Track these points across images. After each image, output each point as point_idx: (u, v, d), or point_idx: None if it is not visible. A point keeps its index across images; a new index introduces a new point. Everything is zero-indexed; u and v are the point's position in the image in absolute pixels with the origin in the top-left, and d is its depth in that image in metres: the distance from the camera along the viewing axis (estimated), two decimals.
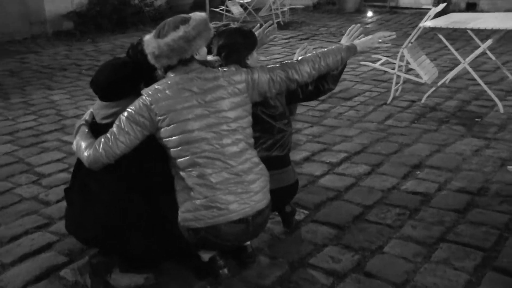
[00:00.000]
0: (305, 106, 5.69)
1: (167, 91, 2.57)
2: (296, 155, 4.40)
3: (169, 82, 2.61)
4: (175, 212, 2.69)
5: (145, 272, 2.92)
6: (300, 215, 3.45)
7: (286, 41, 9.44)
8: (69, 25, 10.23)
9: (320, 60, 2.85)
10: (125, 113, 2.59)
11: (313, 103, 5.80)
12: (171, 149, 2.60)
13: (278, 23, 10.84)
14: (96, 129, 2.82)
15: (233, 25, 3.27)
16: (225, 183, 2.61)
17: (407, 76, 5.79)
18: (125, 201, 2.82)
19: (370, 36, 3.06)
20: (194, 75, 2.62)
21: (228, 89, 2.63)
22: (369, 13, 11.77)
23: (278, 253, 3.06)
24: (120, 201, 2.82)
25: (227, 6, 11.04)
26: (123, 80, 2.80)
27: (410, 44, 5.64)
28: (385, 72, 6.18)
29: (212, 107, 2.60)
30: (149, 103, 2.56)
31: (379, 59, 6.15)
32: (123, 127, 2.57)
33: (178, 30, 2.55)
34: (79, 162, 2.85)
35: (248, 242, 2.92)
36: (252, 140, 2.75)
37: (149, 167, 2.79)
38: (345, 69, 7.08)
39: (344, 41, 3.13)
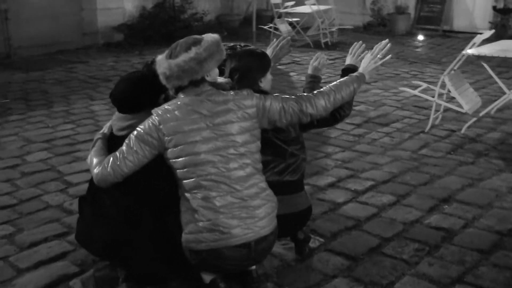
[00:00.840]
0: (340, 130, 5.60)
1: (176, 112, 2.58)
2: (321, 180, 4.33)
3: (179, 103, 2.61)
4: (181, 232, 2.68)
5: None
6: (315, 242, 3.38)
7: (331, 61, 9.35)
8: (120, 37, 10.50)
9: (335, 94, 2.81)
10: (135, 132, 2.61)
11: (348, 127, 5.72)
12: (178, 170, 2.60)
13: (325, 43, 10.80)
14: (113, 141, 2.86)
15: (240, 46, 3.23)
16: (229, 207, 2.58)
17: (447, 104, 5.61)
18: (134, 218, 2.84)
19: (368, 56, 3.00)
20: (204, 97, 2.61)
21: (237, 113, 2.61)
22: (420, 37, 11.55)
23: (286, 281, 3.00)
24: (129, 217, 2.84)
25: (275, 24, 11.06)
26: (140, 93, 2.83)
27: (452, 72, 5.48)
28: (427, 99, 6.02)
29: (220, 130, 2.58)
30: (157, 123, 2.56)
31: (419, 85, 6.01)
32: (132, 146, 2.58)
33: (190, 51, 2.56)
34: None
35: (253, 267, 2.87)
36: (260, 166, 2.71)
37: (157, 184, 2.80)
38: (387, 94, 7.05)
39: (349, 61, 3.12)
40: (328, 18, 11.06)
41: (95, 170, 2.65)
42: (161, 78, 2.62)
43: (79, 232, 3.02)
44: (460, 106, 5.42)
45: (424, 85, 5.94)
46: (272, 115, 2.69)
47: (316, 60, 3.27)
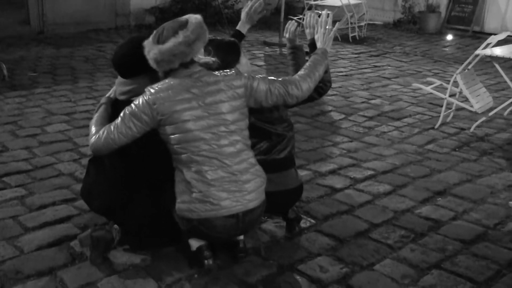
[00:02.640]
0: (351, 121, 5.73)
1: (169, 92, 2.72)
2: (323, 167, 4.47)
3: (171, 83, 2.75)
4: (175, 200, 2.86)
5: (144, 253, 3.10)
6: (306, 223, 3.53)
7: (356, 56, 9.42)
8: (151, 19, 10.71)
9: (314, 74, 3.02)
10: (129, 108, 2.75)
11: (360, 119, 5.83)
12: (172, 146, 2.77)
13: (353, 37, 10.84)
14: (116, 105, 3.02)
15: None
16: (220, 181, 2.75)
17: (458, 102, 5.67)
18: (131, 181, 3.03)
19: (321, 31, 3.16)
20: (196, 78, 2.76)
21: (228, 93, 2.77)
22: (449, 36, 11.46)
23: (271, 255, 3.16)
24: (126, 179, 3.03)
25: (304, 15, 11.13)
26: (138, 55, 2.83)
27: (466, 71, 5.54)
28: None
29: (212, 109, 2.74)
30: (151, 102, 2.71)
31: (433, 82, 6.07)
32: (126, 121, 2.74)
33: (178, 35, 2.68)
34: None
35: (241, 237, 3.04)
36: (249, 142, 2.89)
37: (154, 152, 2.96)
38: (405, 90, 7.10)
39: (309, 35, 3.27)
40: (358, 12, 11.09)
41: (91, 140, 2.82)
42: (151, 63, 2.74)
43: (83, 187, 3.26)
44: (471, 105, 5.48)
45: (438, 83, 6.00)
46: (259, 96, 2.86)
47: (287, 32, 3.44)
